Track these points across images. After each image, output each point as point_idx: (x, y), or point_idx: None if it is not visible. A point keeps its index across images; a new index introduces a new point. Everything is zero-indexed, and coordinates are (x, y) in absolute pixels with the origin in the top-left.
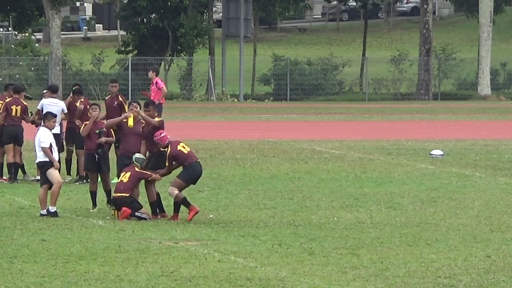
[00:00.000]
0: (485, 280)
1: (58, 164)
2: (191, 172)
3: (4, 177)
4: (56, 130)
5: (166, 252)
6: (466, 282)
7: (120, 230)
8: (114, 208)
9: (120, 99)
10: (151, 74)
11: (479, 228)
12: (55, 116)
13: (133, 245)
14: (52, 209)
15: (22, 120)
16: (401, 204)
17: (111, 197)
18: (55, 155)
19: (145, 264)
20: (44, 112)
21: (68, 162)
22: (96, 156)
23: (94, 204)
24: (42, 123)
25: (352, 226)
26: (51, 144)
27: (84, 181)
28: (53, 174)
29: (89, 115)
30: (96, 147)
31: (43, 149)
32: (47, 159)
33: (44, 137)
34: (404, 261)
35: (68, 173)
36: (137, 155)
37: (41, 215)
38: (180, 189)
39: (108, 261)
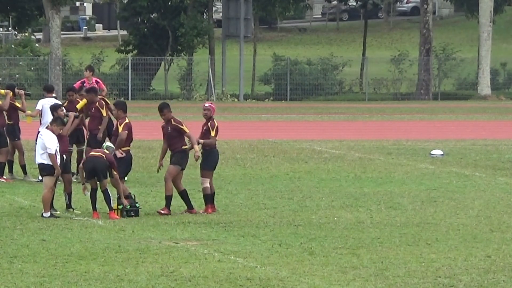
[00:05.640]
0: (485, 280)
1: (60, 170)
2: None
3: (5, 177)
4: None
5: (166, 252)
6: (466, 282)
7: (120, 230)
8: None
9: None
10: (87, 73)
11: (479, 228)
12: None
13: (133, 245)
14: (46, 214)
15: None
16: (401, 204)
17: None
18: (58, 159)
19: (145, 264)
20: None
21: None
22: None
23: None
24: (45, 125)
25: (352, 226)
26: (56, 150)
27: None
28: (47, 179)
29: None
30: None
31: (50, 155)
32: (49, 163)
33: (49, 143)
34: (404, 261)
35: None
36: (108, 143)
37: (43, 216)
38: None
39: (108, 261)
